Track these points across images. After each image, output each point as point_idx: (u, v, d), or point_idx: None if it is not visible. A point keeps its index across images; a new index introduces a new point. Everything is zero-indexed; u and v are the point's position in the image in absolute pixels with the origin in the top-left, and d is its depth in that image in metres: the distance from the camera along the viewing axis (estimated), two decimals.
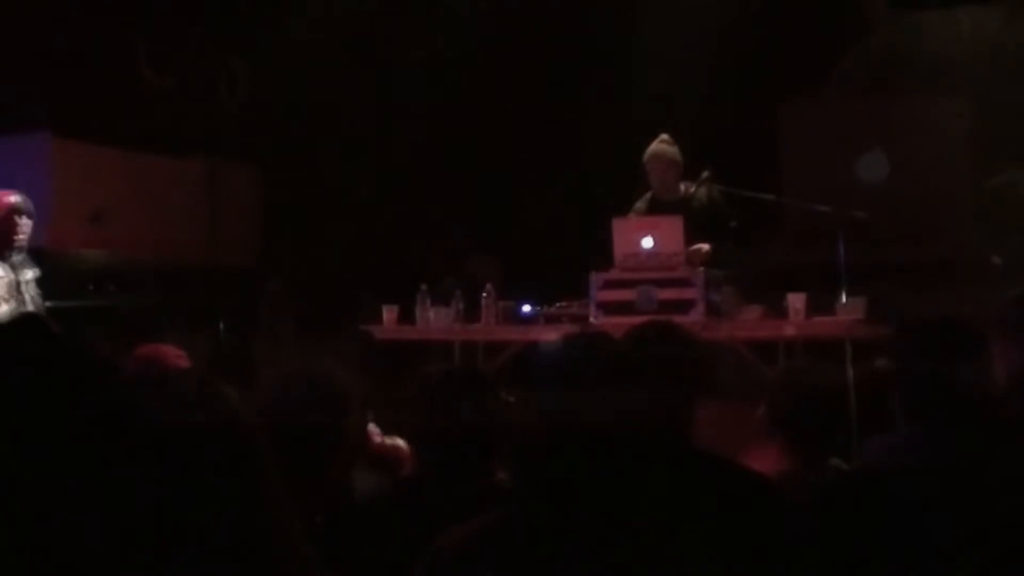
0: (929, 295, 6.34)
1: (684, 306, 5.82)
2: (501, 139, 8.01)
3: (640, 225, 6.23)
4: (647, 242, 6.01)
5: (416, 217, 8.22)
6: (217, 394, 1.67)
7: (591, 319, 5.98)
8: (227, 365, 7.45)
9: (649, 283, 5.93)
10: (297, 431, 1.61)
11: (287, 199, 8.50)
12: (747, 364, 5.54)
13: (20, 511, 1.52)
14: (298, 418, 2.04)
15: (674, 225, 6.04)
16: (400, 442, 3.83)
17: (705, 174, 6.44)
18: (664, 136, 6.54)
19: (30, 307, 5.53)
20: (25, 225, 5.61)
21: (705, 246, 6.20)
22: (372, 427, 3.66)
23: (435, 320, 6.45)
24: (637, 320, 3.54)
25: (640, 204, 6.56)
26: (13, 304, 5.48)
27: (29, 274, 5.63)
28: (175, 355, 3.56)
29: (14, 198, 5.57)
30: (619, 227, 6.14)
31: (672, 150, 6.51)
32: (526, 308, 6.34)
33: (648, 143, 6.54)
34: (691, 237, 6.10)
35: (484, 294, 6.36)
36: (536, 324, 6.25)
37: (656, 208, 6.47)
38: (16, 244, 5.58)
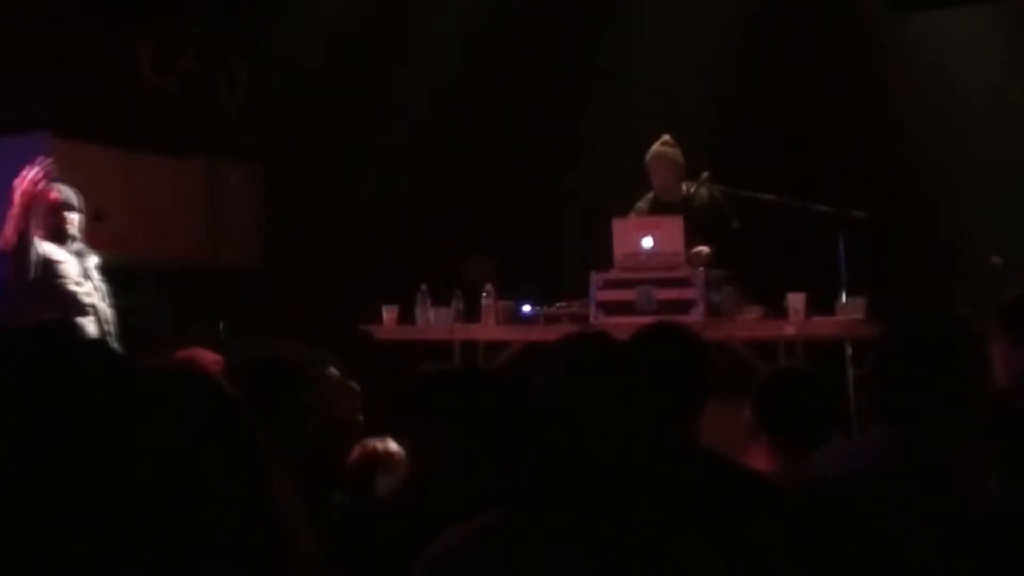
0: (929, 295, 6.33)
1: (684, 306, 5.82)
2: (501, 139, 8.00)
3: (640, 225, 6.23)
4: (647, 242, 6.01)
5: (416, 217, 8.21)
6: (221, 395, 1.67)
7: (591, 319, 5.99)
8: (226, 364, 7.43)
9: (649, 283, 5.93)
10: (258, 412, 1.63)
11: (288, 199, 8.49)
12: (747, 364, 5.54)
13: (20, 511, 1.52)
14: (256, 400, 2.03)
15: (674, 225, 6.04)
16: (392, 445, 3.83)
17: (705, 174, 6.44)
18: (666, 137, 6.54)
19: (99, 292, 5.64)
20: (73, 218, 5.67)
21: (706, 249, 6.20)
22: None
23: (435, 320, 6.46)
24: (637, 320, 3.55)
25: (642, 204, 6.56)
26: (87, 286, 5.58)
27: (92, 260, 5.71)
28: (213, 360, 3.60)
29: (55, 195, 5.59)
30: (619, 227, 6.14)
31: (674, 152, 6.51)
32: (526, 308, 6.34)
33: (649, 143, 6.55)
34: (692, 237, 6.11)
35: (484, 294, 6.36)
36: (536, 324, 6.25)
37: (658, 208, 6.48)
38: (70, 235, 5.64)
